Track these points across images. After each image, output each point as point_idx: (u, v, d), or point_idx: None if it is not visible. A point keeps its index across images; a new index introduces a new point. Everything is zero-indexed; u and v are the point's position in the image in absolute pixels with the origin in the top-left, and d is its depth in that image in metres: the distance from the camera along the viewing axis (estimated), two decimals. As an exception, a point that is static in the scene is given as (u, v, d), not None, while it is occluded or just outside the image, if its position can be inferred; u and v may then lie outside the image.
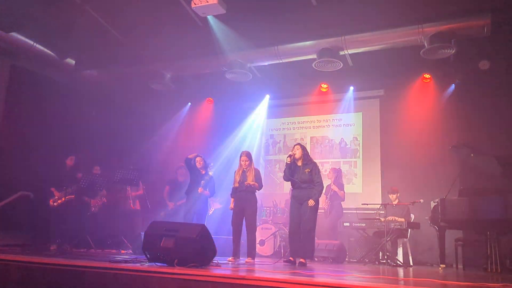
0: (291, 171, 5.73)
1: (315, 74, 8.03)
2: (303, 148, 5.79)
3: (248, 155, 6.21)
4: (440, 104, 7.97)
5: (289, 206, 5.83)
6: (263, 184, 6.27)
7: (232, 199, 6.16)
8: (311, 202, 5.49)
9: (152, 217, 7.27)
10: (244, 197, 6.03)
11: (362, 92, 8.90)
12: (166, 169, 9.14)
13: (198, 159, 6.70)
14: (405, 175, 7.87)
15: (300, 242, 5.49)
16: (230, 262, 5.37)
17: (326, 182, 7.86)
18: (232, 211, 6.13)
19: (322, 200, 7.43)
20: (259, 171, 6.26)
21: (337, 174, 7.81)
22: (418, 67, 7.88)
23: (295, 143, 6.00)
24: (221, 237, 6.88)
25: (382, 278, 4.01)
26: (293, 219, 5.66)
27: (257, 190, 6.14)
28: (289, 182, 5.95)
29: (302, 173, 5.65)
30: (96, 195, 7.62)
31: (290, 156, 5.67)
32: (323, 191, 6.06)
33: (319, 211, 7.33)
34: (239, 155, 6.26)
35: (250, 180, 6.00)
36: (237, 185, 6.09)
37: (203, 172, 6.66)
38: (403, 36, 6.75)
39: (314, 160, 5.95)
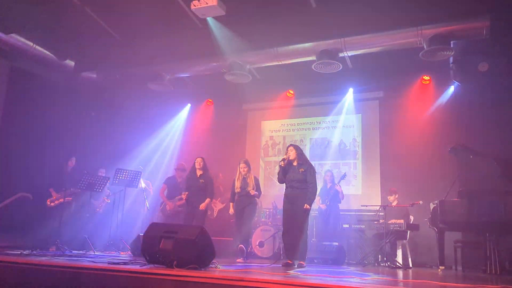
0: (284, 171, 5.65)
1: (315, 76, 8.04)
2: (297, 148, 5.74)
3: (247, 162, 6.47)
4: (439, 106, 7.99)
5: (282, 205, 5.76)
6: (261, 190, 6.53)
7: (231, 204, 6.31)
8: (306, 207, 5.43)
9: (152, 218, 7.29)
10: (245, 201, 6.29)
11: (361, 93, 8.91)
12: (166, 170, 9.16)
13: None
14: (404, 177, 7.87)
15: (295, 245, 5.44)
16: (239, 263, 5.45)
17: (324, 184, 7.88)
18: (232, 214, 6.29)
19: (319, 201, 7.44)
20: (258, 179, 6.53)
21: (331, 174, 7.85)
22: (418, 69, 7.89)
23: (288, 145, 5.95)
24: (221, 238, 6.88)
25: (382, 279, 4.01)
26: (286, 218, 5.60)
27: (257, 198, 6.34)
28: None
29: (296, 173, 5.58)
30: (100, 196, 7.61)
31: (283, 160, 5.59)
32: (318, 192, 6.05)
33: (315, 212, 7.37)
34: (238, 162, 6.49)
35: (251, 186, 6.25)
36: (239, 190, 6.30)
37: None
38: (402, 38, 6.75)
39: (312, 162, 5.95)
